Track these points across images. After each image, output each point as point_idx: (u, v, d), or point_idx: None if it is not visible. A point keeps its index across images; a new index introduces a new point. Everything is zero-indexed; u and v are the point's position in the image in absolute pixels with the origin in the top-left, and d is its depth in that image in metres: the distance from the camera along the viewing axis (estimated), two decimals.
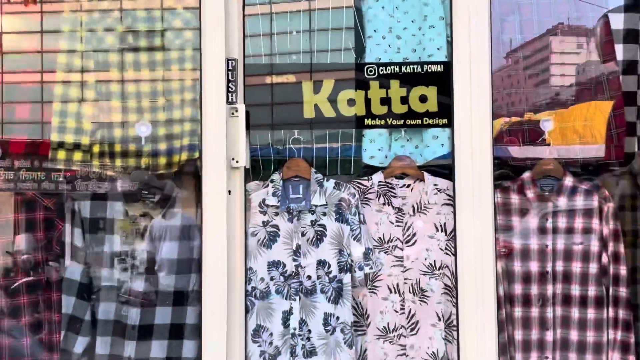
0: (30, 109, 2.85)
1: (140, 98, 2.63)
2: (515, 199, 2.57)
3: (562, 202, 2.56)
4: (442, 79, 2.52)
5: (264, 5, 2.73)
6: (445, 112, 2.51)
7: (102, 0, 2.69)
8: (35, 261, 2.59)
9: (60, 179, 2.59)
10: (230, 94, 2.42)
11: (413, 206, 2.55)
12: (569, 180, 2.55)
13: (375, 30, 2.63)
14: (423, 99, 2.53)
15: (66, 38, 2.64)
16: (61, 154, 2.49)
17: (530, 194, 2.56)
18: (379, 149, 2.63)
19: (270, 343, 2.48)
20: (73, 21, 2.66)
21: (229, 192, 2.43)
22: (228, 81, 2.41)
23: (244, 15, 2.51)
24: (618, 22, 2.71)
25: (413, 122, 2.55)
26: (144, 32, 2.64)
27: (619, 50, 2.71)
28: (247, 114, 2.46)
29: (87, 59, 2.63)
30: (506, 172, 2.75)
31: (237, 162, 2.41)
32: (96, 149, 2.55)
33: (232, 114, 2.42)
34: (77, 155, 2.50)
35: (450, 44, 2.52)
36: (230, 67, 2.42)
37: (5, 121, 2.74)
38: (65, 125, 2.52)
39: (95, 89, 2.62)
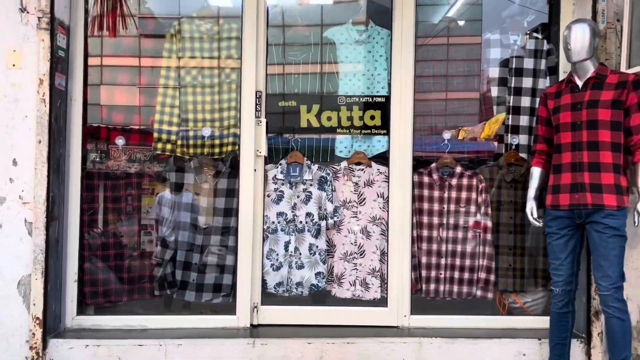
0: (141, 116, 3.72)
1: (205, 111, 3.40)
2: (426, 179, 3.36)
3: (454, 181, 3.35)
4: (384, 106, 3.32)
5: (279, 65, 3.42)
6: (385, 126, 3.31)
7: (187, 41, 3.43)
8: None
9: (160, 159, 3.46)
10: (257, 112, 3.23)
11: (364, 182, 3.34)
12: (458, 169, 3.35)
13: (345, 75, 3.42)
14: (372, 117, 3.34)
15: (164, 68, 3.39)
16: (159, 145, 3.32)
17: (435, 176, 3.35)
18: (345, 147, 3.42)
19: (277, 259, 3.31)
20: (168, 55, 3.39)
21: (255, 170, 3.23)
22: (256, 104, 3.22)
23: (266, 65, 3.30)
24: (494, 72, 3.67)
25: (366, 131, 3.35)
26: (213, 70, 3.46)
27: (494, 91, 3.56)
28: (267, 123, 3.26)
29: (176, 83, 3.38)
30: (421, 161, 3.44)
31: (260, 152, 3.23)
32: (179, 142, 3.35)
33: (258, 123, 3.23)
34: (168, 146, 3.32)
35: (389, 85, 3.32)
36: (257, 96, 3.23)
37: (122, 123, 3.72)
38: (162, 127, 3.32)
39: (180, 103, 3.38)
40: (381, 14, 3.34)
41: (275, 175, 3.32)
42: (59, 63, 2.95)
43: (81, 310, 3.21)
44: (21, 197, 2.89)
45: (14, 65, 2.86)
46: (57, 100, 2.94)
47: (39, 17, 2.85)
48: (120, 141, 3.32)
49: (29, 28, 2.86)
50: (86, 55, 3.24)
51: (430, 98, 3.50)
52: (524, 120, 3.36)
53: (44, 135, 2.86)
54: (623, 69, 2.90)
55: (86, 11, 3.18)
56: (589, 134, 2.73)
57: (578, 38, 2.77)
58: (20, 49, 2.86)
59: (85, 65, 3.23)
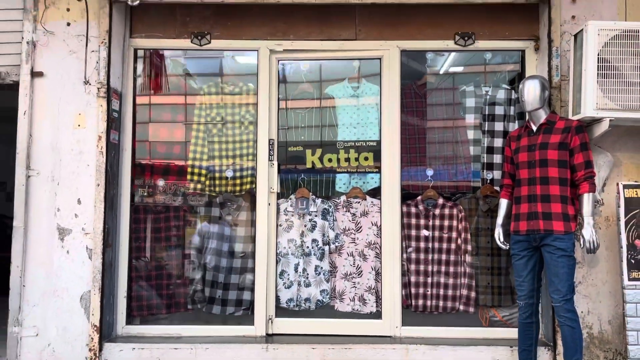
0: (176, 156, 4.33)
1: (228, 156, 4.07)
2: (413, 209, 3.92)
3: (437, 211, 3.91)
4: (376, 148, 3.93)
5: (288, 116, 4.08)
6: (377, 166, 3.92)
7: (212, 96, 4.19)
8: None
9: (193, 195, 4.17)
10: (270, 155, 3.90)
11: (361, 212, 3.94)
12: (441, 201, 3.92)
13: (343, 124, 4.06)
14: (366, 158, 3.95)
15: (196, 122, 4.10)
16: (191, 185, 4.05)
17: (420, 207, 3.94)
18: (344, 183, 4.04)
19: (288, 279, 3.91)
20: (199, 112, 4.10)
21: (269, 204, 3.89)
22: (269, 149, 3.89)
23: (278, 116, 3.97)
24: (470, 118, 4.13)
25: (361, 170, 3.97)
26: (235, 123, 4.13)
27: (470, 134, 4.05)
28: (278, 165, 3.93)
29: (205, 130, 4.10)
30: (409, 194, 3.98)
31: (272, 189, 3.89)
32: (207, 182, 4.05)
33: (271, 165, 3.89)
34: (199, 185, 4.04)
35: (380, 131, 3.94)
36: (270, 143, 3.90)
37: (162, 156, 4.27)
38: (194, 171, 4.04)
39: (208, 150, 4.08)
40: (372, 73, 4.00)
41: (286, 208, 3.98)
42: (113, 122, 3.74)
43: (129, 320, 3.91)
44: (83, 229, 3.66)
45: (79, 125, 3.67)
46: (112, 151, 3.73)
47: (98, 88, 3.67)
48: (160, 182, 4.07)
49: (90, 96, 3.68)
50: (134, 113, 4.02)
51: (414, 141, 4.06)
52: (497, 159, 3.91)
53: (101, 180, 3.64)
54: (570, 116, 3.44)
55: (134, 79, 4.00)
56: (541, 171, 3.28)
57: (530, 91, 3.35)
58: (84, 112, 3.68)
59: (134, 121, 4.01)
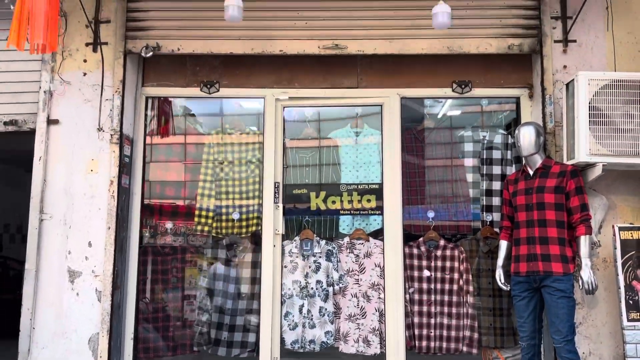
0: (183, 198, 4.52)
1: (235, 199, 4.21)
2: (415, 251, 4.03)
3: (439, 253, 4.02)
4: (378, 191, 4.07)
5: (293, 159, 4.26)
6: (380, 207, 4.05)
7: (219, 138, 4.33)
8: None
9: (199, 237, 4.30)
10: (275, 198, 4.03)
11: (364, 254, 4.03)
12: (442, 242, 4.03)
13: (346, 167, 4.24)
14: (369, 200, 4.08)
15: (204, 166, 4.26)
16: (199, 226, 4.19)
17: (422, 248, 4.05)
18: (347, 225, 4.15)
19: (293, 320, 3.96)
20: (207, 156, 4.25)
21: (274, 246, 3.99)
22: (275, 192, 4.02)
23: (284, 159, 4.15)
24: (468, 162, 4.32)
25: (364, 212, 4.09)
26: (241, 164, 4.30)
27: (469, 177, 4.26)
28: (283, 207, 4.06)
29: (212, 172, 4.23)
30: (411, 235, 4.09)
31: (278, 231, 3.99)
32: (214, 224, 4.18)
33: (276, 208, 4.02)
34: (206, 227, 4.17)
35: (382, 175, 4.09)
36: (276, 186, 4.04)
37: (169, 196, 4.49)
38: (201, 213, 4.17)
39: (215, 194, 4.22)
40: (373, 118, 4.18)
41: (291, 250, 4.07)
42: (124, 167, 3.88)
43: None
44: (93, 271, 3.75)
45: (91, 170, 3.82)
46: (123, 195, 3.86)
47: (111, 134, 3.83)
48: (168, 224, 4.18)
49: (103, 143, 3.84)
50: (144, 158, 4.16)
51: (415, 183, 4.21)
52: (496, 201, 4.04)
53: (112, 223, 3.75)
54: (565, 160, 3.58)
55: (145, 125, 4.16)
56: (539, 214, 3.39)
57: (525, 137, 3.50)
58: (97, 158, 3.83)
59: (144, 165, 4.15)
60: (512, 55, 4.00)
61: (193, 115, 4.45)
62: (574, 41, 3.90)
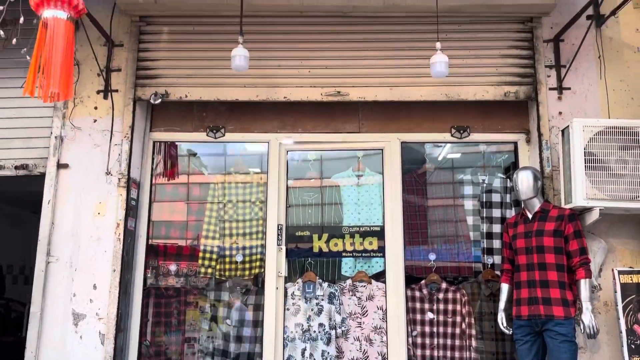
0: (188, 240, 4.56)
1: (238, 238, 4.29)
2: (417, 293, 4.08)
3: (441, 295, 4.05)
4: (380, 233, 4.13)
5: (297, 202, 4.37)
6: (381, 250, 4.12)
7: (224, 180, 4.47)
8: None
9: (203, 279, 4.35)
10: (279, 240, 4.09)
11: (366, 296, 4.05)
12: (444, 285, 4.08)
13: (348, 210, 4.33)
14: (371, 243, 4.14)
15: (208, 208, 4.37)
16: (203, 268, 4.24)
17: (424, 291, 4.10)
18: (349, 267, 4.20)
19: None
20: (212, 199, 4.37)
21: (277, 288, 4.03)
22: (278, 234, 4.09)
23: (286, 203, 4.22)
24: (469, 205, 4.45)
25: (366, 255, 4.14)
26: (245, 205, 4.42)
27: (470, 220, 4.36)
28: (287, 249, 4.18)
29: (217, 214, 4.33)
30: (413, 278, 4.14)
31: (280, 274, 4.04)
32: (218, 266, 4.24)
33: (279, 250, 4.08)
34: (209, 270, 4.23)
35: (383, 217, 4.18)
36: (279, 228, 4.12)
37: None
38: (205, 255, 4.24)
39: (219, 237, 4.31)
40: (374, 159, 4.29)
41: (294, 292, 4.10)
42: (131, 210, 3.97)
43: None
44: (97, 314, 3.78)
45: (99, 213, 3.90)
46: (128, 238, 3.92)
47: (119, 178, 3.93)
48: (172, 267, 4.23)
49: (111, 186, 3.93)
50: (150, 200, 4.25)
51: (417, 226, 4.29)
52: (496, 244, 4.10)
53: (117, 266, 3.81)
54: (563, 204, 3.65)
55: (152, 169, 4.27)
56: (539, 257, 3.44)
57: (524, 182, 3.59)
58: (104, 201, 3.91)
59: (149, 208, 4.23)
60: (509, 101, 4.14)
61: (198, 157, 4.56)
62: (569, 89, 4.04)
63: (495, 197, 4.19)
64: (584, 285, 3.36)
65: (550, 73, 4.07)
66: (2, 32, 3.54)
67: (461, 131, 4.19)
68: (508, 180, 4.22)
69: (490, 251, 4.11)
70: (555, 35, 4.08)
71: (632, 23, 4.13)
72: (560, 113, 4.00)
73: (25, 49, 3.68)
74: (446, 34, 4.06)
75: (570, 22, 3.91)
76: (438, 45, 3.53)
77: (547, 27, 4.14)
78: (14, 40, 3.61)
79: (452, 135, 4.21)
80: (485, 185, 4.25)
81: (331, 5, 4.05)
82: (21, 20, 3.48)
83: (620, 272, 3.54)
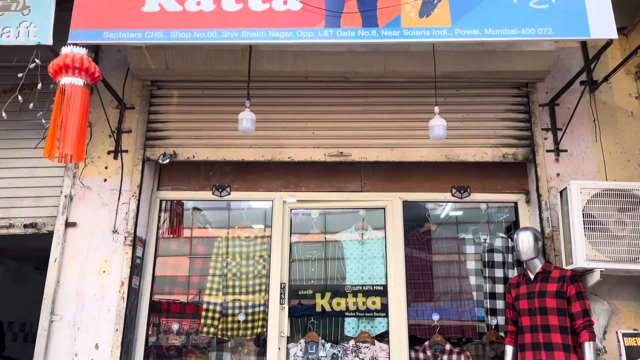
0: (190, 298, 4.51)
1: (241, 300, 4.28)
2: (421, 355, 4.04)
3: (445, 357, 4.00)
4: (383, 292, 4.16)
5: (299, 260, 4.48)
6: (384, 310, 4.12)
7: (228, 236, 4.58)
8: None
9: (204, 339, 4.32)
10: (281, 299, 4.11)
11: (369, 358, 4.02)
12: (448, 346, 4.05)
13: (350, 268, 4.35)
14: (374, 302, 4.15)
15: (212, 266, 4.41)
16: (205, 328, 4.21)
17: (428, 352, 4.08)
18: (352, 327, 4.17)
19: None
20: (216, 254, 4.42)
21: (279, 348, 4.01)
22: (280, 293, 4.11)
23: (290, 261, 4.32)
24: (471, 264, 4.50)
25: (369, 314, 4.15)
26: (249, 261, 4.50)
27: (472, 280, 4.42)
28: (290, 307, 4.19)
29: (219, 271, 4.37)
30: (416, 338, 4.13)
31: (283, 333, 4.04)
32: (220, 325, 4.23)
33: (282, 309, 4.09)
34: (212, 329, 4.20)
35: (386, 276, 4.22)
36: (282, 287, 4.15)
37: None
38: (208, 314, 4.24)
39: (221, 291, 4.32)
40: (377, 221, 4.36)
41: (296, 353, 4.07)
42: (135, 268, 4.02)
43: None
44: None
45: (104, 271, 3.95)
46: (132, 296, 3.95)
47: (125, 236, 4.01)
48: (175, 326, 4.23)
49: (117, 244, 4.00)
50: (155, 259, 4.30)
51: (420, 285, 4.30)
52: (499, 304, 4.10)
53: (120, 325, 3.82)
54: (564, 265, 3.69)
55: (157, 227, 4.36)
56: (542, 319, 3.45)
57: (524, 242, 3.64)
58: (110, 259, 3.98)
59: (154, 266, 4.28)
60: (507, 162, 4.27)
61: (203, 214, 4.64)
62: (565, 151, 4.17)
63: (497, 257, 4.23)
64: (588, 348, 3.35)
65: (547, 135, 4.21)
66: (20, 97, 3.74)
67: (461, 191, 4.29)
68: (509, 240, 4.27)
69: (493, 312, 4.11)
70: (551, 100, 4.25)
71: (624, 88, 4.31)
72: (558, 174, 4.11)
73: (41, 112, 3.88)
74: (444, 98, 4.25)
75: (565, 87, 4.08)
76: (436, 109, 3.68)
77: (543, 91, 4.32)
78: (31, 105, 3.80)
79: (452, 195, 4.31)
80: (487, 244, 4.30)
81: (334, 71, 4.26)
82: (39, 86, 3.69)
83: (624, 335, 3.52)
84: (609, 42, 3.53)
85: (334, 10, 3.59)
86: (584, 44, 4.39)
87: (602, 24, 3.48)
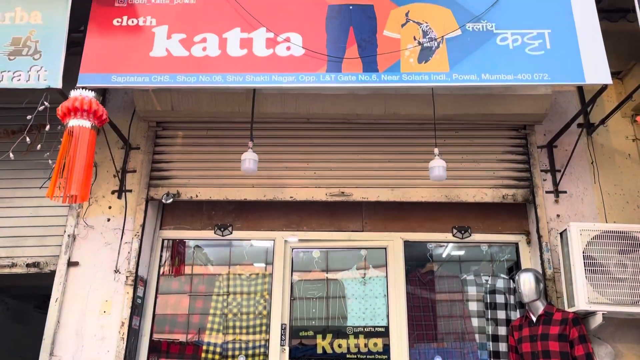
0: (190, 338, 4.42)
1: (242, 341, 4.24)
2: None
3: None
4: (384, 334, 4.13)
5: (300, 299, 4.43)
6: (386, 351, 4.07)
7: (229, 274, 4.58)
8: None
9: None
10: (282, 340, 4.09)
11: None
12: None
13: (352, 309, 4.32)
14: (375, 344, 4.12)
15: (212, 306, 4.43)
16: None
17: None
18: None
19: None
20: (217, 294, 4.40)
21: None
22: (281, 334, 4.09)
23: (290, 302, 4.30)
24: (473, 306, 4.53)
25: (370, 356, 4.10)
26: (250, 299, 4.47)
27: (474, 321, 4.37)
28: (290, 347, 4.16)
29: (220, 311, 4.33)
30: None
31: None
32: None
33: (282, 351, 4.06)
34: None
35: (388, 317, 4.19)
36: (282, 328, 4.13)
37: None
38: (207, 357, 4.18)
39: (222, 331, 4.28)
40: (378, 259, 4.38)
41: None
42: (136, 308, 4.02)
43: None
44: None
45: (104, 311, 3.95)
46: (132, 337, 3.94)
47: (127, 276, 4.03)
48: None
49: (119, 284, 4.02)
50: (155, 298, 4.30)
51: (422, 327, 4.27)
52: (502, 347, 4.06)
53: None
54: (566, 307, 3.68)
55: (159, 266, 4.37)
56: None
57: (526, 284, 3.66)
58: (111, 299, 3.98)
59: (154, 306, 4.27)
60: (507, 203, 4.31)
61: (204, 252, 4.64)
62: (565, 192, 4.22)
63: (500, 299, 4.22)
64: None
65: (546, 177, 4.26)
66: (28, 138, 3.84)
67: (462, 231, 4.32)
68: (511, 281, 4.27)
69: (496, 354, 4.06)
70: (549, 142, 4.33)
71: (621, 131, 4.39)
72: (558, 215, 4.14)
73: (48, 153, 3.97)
74: (444, 139, 4.33)
75: (562, 130, 4.17)
76: (436, 150, 3.76)
77: (541, 133, 4.41)
78: (39, 146, 3.89)
79: (453, 236, 4.33)
80: (488, 286, 4.29)
81: (336, 113, 4.36)
82: (47, 127, 3.79)
83: None
84: (604, 87, 3.63)
85: (336, 56, 3.72)
86: (580, 87, 4.50)
87: (596, 69, 3.58)
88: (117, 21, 3.83)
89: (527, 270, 3.78)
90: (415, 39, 3.71)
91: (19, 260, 4.15)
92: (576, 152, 4.22)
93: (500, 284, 4.28)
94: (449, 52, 3.65)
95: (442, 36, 3.69)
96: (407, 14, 3.80)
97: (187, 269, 4.54)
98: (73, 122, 3.45)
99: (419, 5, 3.82)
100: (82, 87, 3.49)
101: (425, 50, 3.68)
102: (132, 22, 3.82)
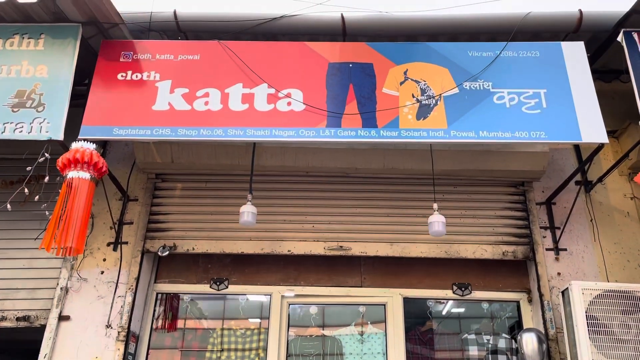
0: None
1: None
2: None
3: None
4: None
5: (297, 356, 4.30)
6: None
7: (224, 327, 4.45)
8: None
9: None
10: None
11: None
12: None
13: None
14: None
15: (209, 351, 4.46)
16: None
17: None
18: None
19: None
20: (212, 347, 4.27)
21: None
22: None
23: (288, 350, 4.37)
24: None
25: None
26: (243, 356, 4.50)
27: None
28: None
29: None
30: None
31: None
32: None
33: None
34: None
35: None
36: None
37: None
38: None
39: None
40: (377, 314, 4.30)
41: None
42: None
43: None
44: None
45: None
46: None
47: (118, 332, 3.93)
48: None
49: (110, 340, 3.92)
50: (147, 354, 4.17)
51: None
52: None
53: None
54: None
55: (152, 321, 4.27)
56: None
57: (528, 345, 3.60)
58: (101, 355, 3.88)
59: (146, 358, 4.16)
60: (507, 260, 4.28)
61: (199, 306, 4.55)
62: (565, 249, 4.21)
63: (502, 359, 4.12)
64: None
65: (545, 234, 4.26)
66: (26, 190, 3.84)
67: (462, 288, 4.26)
68: (513, 341, 4.18)
69: None
70: (547, 199, 4.36)
71: (619, 189, 4.43)
72: (559, 273, 4.11)
73: (45, 204, 3.96)
74: (443, 194, 4.35)
75: (560, 187, 4.21)
76: (435, 206, 3.77)
77: (539, 190, 4.44)
78: (37, 197, 3.89)
79: (453, 292, 4.28)
80: (490, 345, 4.20)
81: (335, 167, 4.40)
82: (46, 179, 3.80)
83: None
84: (601, 146, 3.69)
85: (335, 112, 3.79)
86: (576, 145, 4.57)
87: (592, 128, 3.66)
88: (122, 75, 3.93)
89: (529, 330, 3.71)
90: (413, 96, 3.80)
91: (9, 314, 4.05)
92: (575, 209, 4.24)
93: (502, 344, 4.19)
94: (446, 110, 3.74)
95: (440, 94, 3.79)
96: (405, 73, 3.91)
97: (180, 323, 4.43)
98: (72, 174, 3.48)
99: (417, 64, 3.94)
100: (84, 139, 3.53)
101: (423, 107, 3.76)
102: (137, 76, 3.92)
